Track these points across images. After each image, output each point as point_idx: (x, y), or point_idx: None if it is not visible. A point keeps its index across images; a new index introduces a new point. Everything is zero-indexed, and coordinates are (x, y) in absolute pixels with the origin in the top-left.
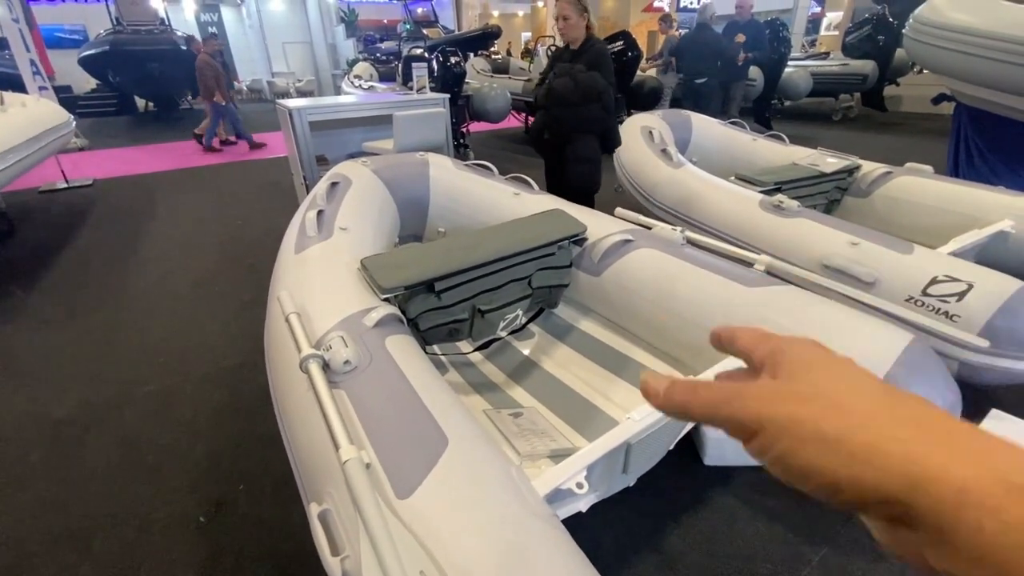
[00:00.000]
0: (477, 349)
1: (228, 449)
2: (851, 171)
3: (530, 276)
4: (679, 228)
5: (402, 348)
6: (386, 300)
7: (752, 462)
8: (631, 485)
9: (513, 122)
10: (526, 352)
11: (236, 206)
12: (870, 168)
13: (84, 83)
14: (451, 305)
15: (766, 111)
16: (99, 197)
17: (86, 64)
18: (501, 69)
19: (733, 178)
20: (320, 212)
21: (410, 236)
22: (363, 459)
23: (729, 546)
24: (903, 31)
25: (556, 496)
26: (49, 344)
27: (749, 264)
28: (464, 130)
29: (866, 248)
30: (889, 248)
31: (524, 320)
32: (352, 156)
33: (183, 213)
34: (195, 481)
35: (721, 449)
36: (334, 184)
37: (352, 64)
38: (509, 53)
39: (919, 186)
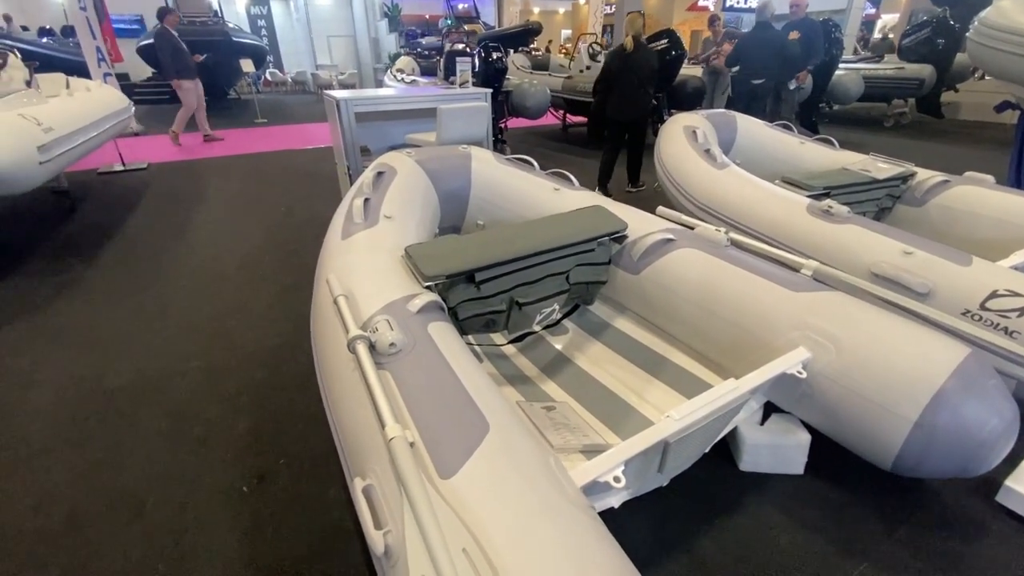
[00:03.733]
0: (511, 342)
1: (269, 425)
2: (905, 178)
3: (568, 271)
4: (723, 229)
5: (444, 335)
6: (428, 288)
7: (788, 470)
8: (664, 485)
9: (551, 119)
10: (559, 347)
11: (280, 193)
12: (926, 176)
13: (141, 72)
14: (490, 296)
15: (813, 115)
16: (153, 180)
17: (144, 53)
18: (541, 66)
19: (779, 181)
20: (367, 200)
21: (449, 227)
22: (408, 438)
23: (763, 554)
24: (966, 35)
25: (591, 489)
26: (105, 317)
27: (795, 268)
28: (502, 125)
29: (921, 258)
30: (945, 259)
31: (559, 315)
32: (393, 148)
33: (230, 198)
34: (239, 453)
35: (757, 455)
36: (380, 173)
37: (394, 58)
38: (548, 50)
39: (979, 196)
